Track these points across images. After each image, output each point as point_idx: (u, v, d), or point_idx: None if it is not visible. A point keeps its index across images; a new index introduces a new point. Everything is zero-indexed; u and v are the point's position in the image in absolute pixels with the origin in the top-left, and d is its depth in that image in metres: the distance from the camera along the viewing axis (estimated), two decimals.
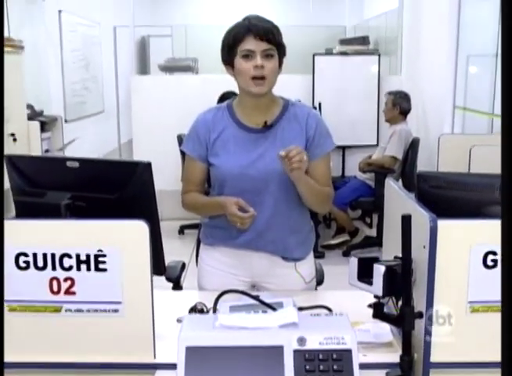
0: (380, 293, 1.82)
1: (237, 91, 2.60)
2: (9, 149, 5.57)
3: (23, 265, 1.87)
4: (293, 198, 2.54)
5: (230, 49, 2.48)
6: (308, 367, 1.59)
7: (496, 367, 1.79)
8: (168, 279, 2.78)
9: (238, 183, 2.50)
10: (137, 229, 1.84)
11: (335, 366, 1.59)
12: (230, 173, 2.51)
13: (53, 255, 1.86)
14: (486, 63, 6.19)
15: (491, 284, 1.80)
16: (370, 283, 1.84)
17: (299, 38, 9.54)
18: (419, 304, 1.80)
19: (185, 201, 2.66)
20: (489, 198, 2.04)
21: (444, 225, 1.75)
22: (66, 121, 8.09)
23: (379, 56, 7.34)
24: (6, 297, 1.89)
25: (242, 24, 2.46)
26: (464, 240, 1.79)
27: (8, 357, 1.87)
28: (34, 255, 1.86)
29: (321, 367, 1.59)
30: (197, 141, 2.58)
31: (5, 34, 6.50)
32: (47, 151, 6.80)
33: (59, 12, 8.75)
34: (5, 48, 5.71)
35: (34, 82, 7.46)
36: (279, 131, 2.53)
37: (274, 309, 1.97)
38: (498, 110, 5.93)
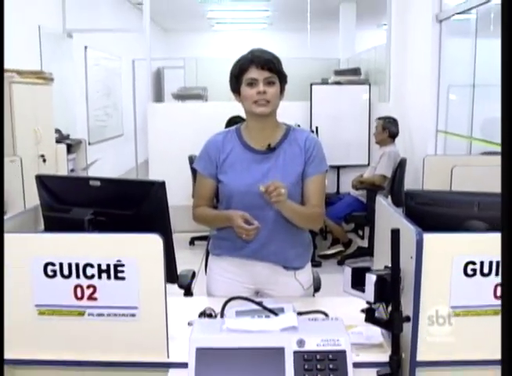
0: (371, 299, 1.81)
1: (243, 115, 2.61)
2: (39, 168, 5.59)
3: (50, 273, 1.87)
4: None
5: (237, 79, 2.50)
6: (306, 367, 1.58)
7: (475, 365, 1.83)
8: (180, 286, 2.77)
9: (244, 199, 2.50)
10: (152, 242, 1.84)
11: (331, 366, 1.59)
12: (237, 190, 2.51)
13: (77, 265, 1.86)
14: (464, 92, 6.24)
15: (470, 291, 1.81)
16: (363, 290, 1.83)
17: (298, 69, 9.55)
18: (406, 309, 1.79)
19: (196, 214, 2.65)
20: (469, 214, 2.04)
21: (429, 238, 1.75)
22: (89, 144, 8.14)
23: (369, 85, 7.35)
24: (36, 302, 1.89)
25: (246, 56, 2.49)
26: (447, 252, 1.78)
27: (37, 355, 1.91)
28: (61, 265, 1.86)
29: (318, 367, 1.58)
30: (208, 160, 2.58)
31: (38, 68, 6.57)
32: (72, 171, 6.83)
33: (85, 47, 8.85)
34: (37, 80, 5.77)
35: (62, 109, 7.52)
36: (282, 153, 2.53)
37: (276, 313, 1.96)
38: (476, 133, 5.95)
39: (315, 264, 5.67)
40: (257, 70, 2.44)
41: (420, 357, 1.80)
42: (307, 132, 2.65)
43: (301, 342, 1.61)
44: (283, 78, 2.51)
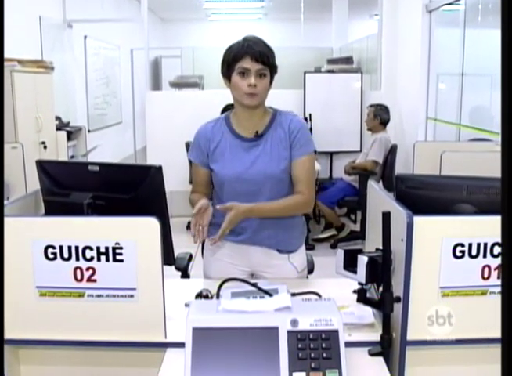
0: (363, 280, 1.81)
1: None
2: (40, 155, 5.59)
3: (51, 256, 1.87)
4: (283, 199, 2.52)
5: (229, 66, 2.45)
6: (300, 346, 1.58)
7: (464, 344, 1.85)
8: (177, 268, 2.77)
9: (235, 186, 2.48)
10: (149, 225, 1.84)
11: (324, 345, 1.58)
12: (227, 178, 2.49)
13: (77, 248, 1.86)
14: (453, 80, 6.23)
15: (459, 272, 1.81)
16: (355, 271, 1.83)
17: (292, 58, 9.52)
18: (397, 290, 1.80)
19: (191, 199, 2.62)
20: (458, 197, 2.03)
21: (419, 220, 1.75)
22: (89, 131, 8.11)
23: (361, 73, 7.32)
24: (37, 284, 1.90)
25: (241, 44, 2.43)
26: (436, 234, 1.79)
27: (38, 335, 1.92)
28: (61, 247, 1.86)
29: (311, 346, 1.58)
30: (199, 150, 2.56)
31: (38, 57, 6.54)
32: (72, 157, 6.83)
33: (85, 37, 8.80)
34: (38, 69, 5.74)
35: (62, 97, 7.50)
36: (269, 139, 2.50)
37: (270, 294, 1.96)
38: (464, 120, 5.96)
39: (309, 247, 5.65)
40: (251, 61, 2.38)
41: (410, 336, 1.81)
42: (291, 115, 2.58)
43: (294, 322, 1.61)
44: (273, 70, 2.47)
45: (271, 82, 2.48)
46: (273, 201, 2.48)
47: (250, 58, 2.38)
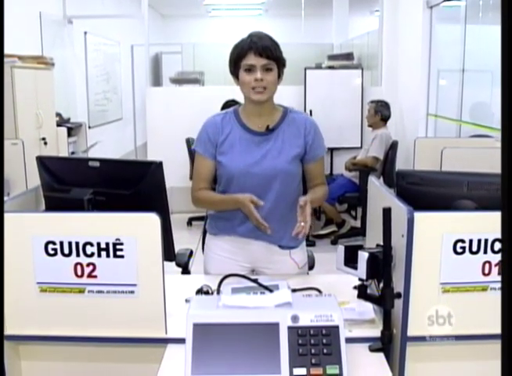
0: (363, 276, 1.81)
1: (238, 99, 2.57)
2: (41, 151, 5.60)
3: (51, 252, 1.87)
4: (291, 194, 2.52)
5: (235, 63, 2.46)
6: (300, 342, 1.58)
7: (464, 340, 1.85)
8: (178, 264, 2.77)
9: (243, 180, 2.47)
10: (150, 221, 1.84)
11: (324, 341, 1.58)
12: (237, 171, 2.47)
13: (77, 243, 1.86)
14: (454, 76, 6.23)
15: (460, 268, 1.81)
16: (355, 267, 1.83)
17: (292, 54, 9.41)
18: (398, 285, 1.80)
19: (198, 198, 2.58)
20: (458, 193, 2.04)
21: (419, 216, 1.75)
22: (89, 127, 8.11)
23: (362, 69, 7.31)
24: (38, 280, 1.90)
25: (245, 41, 2.44)
26: (437, 230, 1.79)
27: (38, 331, 1.92)
28: (61, 243, 1.86)
29: (312, 341, 1.58)
30: (208, 141, 2.54)
31: (39, 53, 6.53)
32: (73, 153, 6.83)
33: (85, 33, 8.79)
34: (38, 65, 5.74)
35: (63, 94, 7.49)
36: (281, 134, 2.51)
37: (271, 290, 1.96)
38: (465, 117, 5.96)
39: (310, 243, 5.66)
40: (255, 56, 2.39)
41: (410, 332, 1.81)
42: (305, 115, 2.65)
43: (295, 318, 1.61)
44: (281, 64, 2.47)
45: (280, 76, 2.49)
46: (315, 192, 2.57)
47: (253, 53, 2.39)
